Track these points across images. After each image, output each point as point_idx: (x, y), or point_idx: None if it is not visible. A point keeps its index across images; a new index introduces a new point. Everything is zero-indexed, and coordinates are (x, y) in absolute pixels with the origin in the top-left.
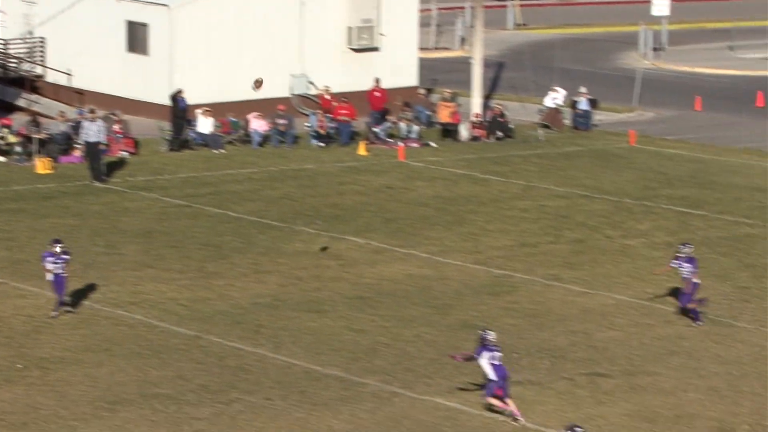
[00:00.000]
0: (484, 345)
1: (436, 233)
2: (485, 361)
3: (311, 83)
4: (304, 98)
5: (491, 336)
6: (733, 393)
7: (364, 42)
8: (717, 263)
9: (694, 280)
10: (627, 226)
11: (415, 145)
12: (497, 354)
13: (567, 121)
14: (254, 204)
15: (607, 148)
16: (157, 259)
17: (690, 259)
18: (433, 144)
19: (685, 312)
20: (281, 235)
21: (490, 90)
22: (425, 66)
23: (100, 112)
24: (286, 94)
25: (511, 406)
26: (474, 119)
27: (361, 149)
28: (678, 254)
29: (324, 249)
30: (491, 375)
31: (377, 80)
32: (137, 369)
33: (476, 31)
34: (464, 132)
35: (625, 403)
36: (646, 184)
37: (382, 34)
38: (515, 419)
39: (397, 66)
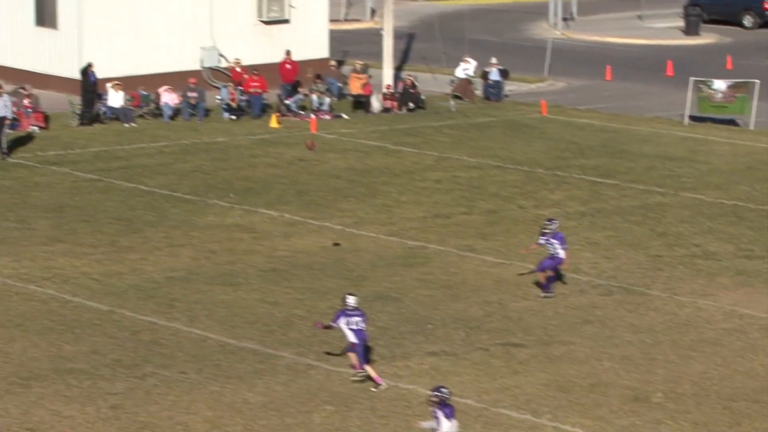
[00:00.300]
0: (342, 310)
1: (349, 205)
2: (344, 326)
3: (222, 56)
4: (215, 71)
5: (351, 300)
6: (647, 361)
7: (274, 14)
8: (630, 232)
9: (561, 255)
10: (540, 197)
11: (326, 117)
12: (356, 319)
13: (478, 92)
14: (166, 177)
15: (518, 119)
16: (69, 233)
17: (556, 235)
18: (344, 116)
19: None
20: (194, 208)
21: (401, 61)
22: (336, 38)
23: (9, 87)
24: (197, 67)
25: (371, 371)
26: (385, 91)
27: (273, 122)
28: (544, 230)
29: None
30: (352, 338)
31: (288, 52)
32: (50, 344)
33: (386, 3)
34: (376, 104)
35: (541, 372)
36: (558, 154)
37: (292, 6)
38: (376, 385)
39: (308, 38)
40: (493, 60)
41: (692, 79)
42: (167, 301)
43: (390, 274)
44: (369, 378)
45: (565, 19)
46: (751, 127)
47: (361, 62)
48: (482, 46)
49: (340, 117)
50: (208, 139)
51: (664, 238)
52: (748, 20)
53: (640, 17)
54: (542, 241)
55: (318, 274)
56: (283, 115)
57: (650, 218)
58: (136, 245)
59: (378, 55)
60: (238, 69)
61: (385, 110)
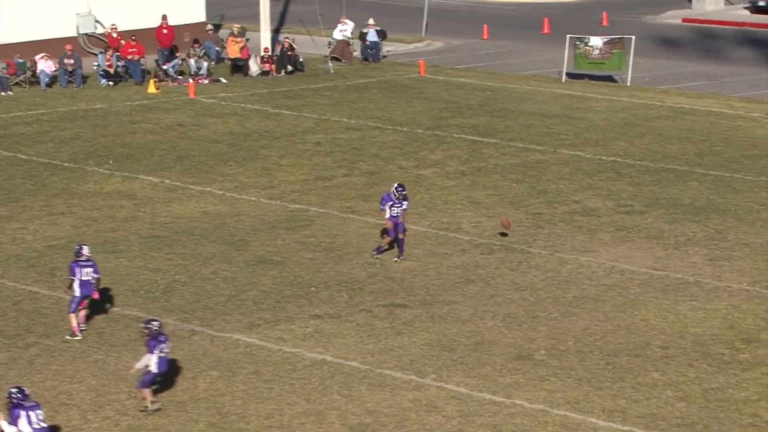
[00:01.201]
0: (75, 260)
1: (229, 170)
2: (76, 282)
3: (98, 22)
4: (92, 37)
5: (84, 250)
6: (530, 319)
7: None
8: (510, 190)
9: (400, 220)
10: (420, 157)
11: (204, 81)
12: (87, 270)
13: (356, 53)
14: (44, 146)
15: (397, 79)
16: None
17: (404, 199)
18: (223, 80)
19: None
20: (73, 176)
21: (279, 24)
22: (212, 2)
23: None
24: (73, 33)
25: (73, 321)
26: (263, 54)
27: (151, 87)
28: (395, 195)
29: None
30: (77, 292)
31: (164, 17)
32: None
33: None
34: (254, 67)
35: (424, 332)
36: (437, 114)
37: None
38: (73, 335)
39: (185, 2)
40: (371, 21)
41: (569, 36)
42: (48, 270)
43: (272, 238)
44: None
45: None
46: (628, 83)
47: (238, 25)
48: (360, 7)
49: (219, 81)
50: (86, 106)
51: (544, 196)
52: None
53: None
54: (385, 207)
55: (200, 239)
56: (161, 81)
57: (530, 176)
58: (15, 214)
59: (255, 18)
60: (114, 35)
61: (264, 73)
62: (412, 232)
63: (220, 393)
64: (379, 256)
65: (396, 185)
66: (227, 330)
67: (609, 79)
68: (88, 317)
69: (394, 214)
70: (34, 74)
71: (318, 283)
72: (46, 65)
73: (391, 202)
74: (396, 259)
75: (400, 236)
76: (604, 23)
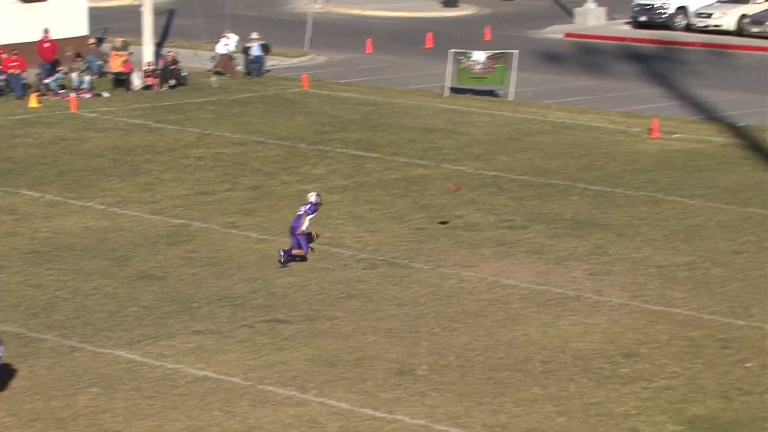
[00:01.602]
0: None
1: (111, 184)
2: None
3: None
4: None
5: None
6: (411, 334)
7: None
8: (392, 205)
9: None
10: (303, 171)
11: (87, 95)
12: None
13: (240, 68)
14: None
15: (280, 94)
16: None
17: (314, 207)
18: (105, 94)
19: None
20: None
21: (162, 38)
22: (95, 15)
23: None
24: None
25: None
26: (146, 68)
27: (33, 101)
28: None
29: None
30: None
31: (46, 31)
32: None
33: None
34: (137, 81)
35: (307, 348)
36: (320, 129)
37: None
38: None
39: (67, 16)
40: (254, 35)
41: (451, 50)
42: None
43: (154, 253)
44: None
45: None
46: (510, 98)
47: (121, 39)
48: (243, 21)
49: (101, 95)
50: None
51: (427, 210)
52: None
53: None
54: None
55: (81, 255)
56: (43, 95)
57: (413, 191)
58: None
59: (138, 32)
60: None
61: (146, 87)
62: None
63: (100, 410)
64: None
65: (316, 194)
66: (108, 346)
67: (492, 93)
68: None
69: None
70: None
71: (200, 298)
72: None
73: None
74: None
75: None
76: (487, 38)
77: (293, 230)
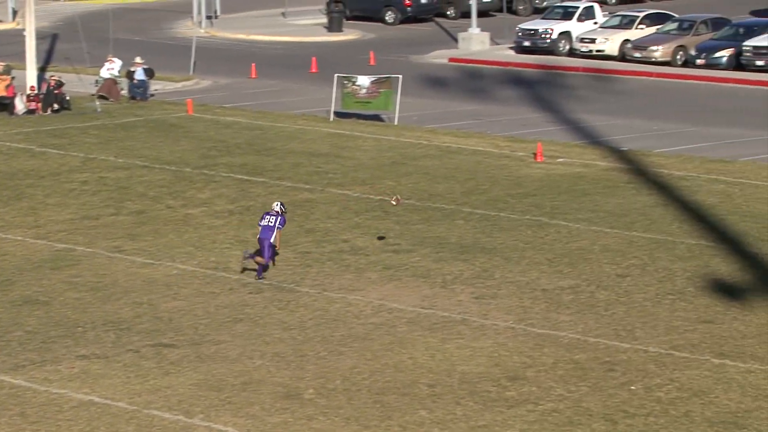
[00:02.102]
0: None
1: None
2: None
3: None
4: None
5: None
6: (298, 358)
7: None
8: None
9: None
10: (188, 196)
11: None
12: None
13: (124, 92)
14: None
15: (165, 118)
16: None
17: (284, 219)
18: None
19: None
20: None
21: (45, 62)
22: None
23: None
24: None
25: None
26: (29, 92)
27: None
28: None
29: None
30: None
31: None
32: None
33: (28, 3)
34: (20, 105)
35: (192, 372)
36: (205, 153)
37: None
38: None
39: None
40: (138, 59)
41: (336, 75)
42: None
43: (38, 278)
44: None
45: (209, 17)
46: (396, 122)
47: (3, 63)
48: (127, 45)
49: None
50: None
51: (313, 235)
52: (389, 16)
53: (283, 14)
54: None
55: None
56: None
57: (298, 215)
58: None
59: (21, 56)
60: None
61: (29, 112)
62: (179, 271)
63: None
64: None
65: (279, 203)
66: None
67: (377, 118)
68: None
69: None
70: None
71: (85, 323)
72: None
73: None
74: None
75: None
76: (372, 63)
77: (263, 241)
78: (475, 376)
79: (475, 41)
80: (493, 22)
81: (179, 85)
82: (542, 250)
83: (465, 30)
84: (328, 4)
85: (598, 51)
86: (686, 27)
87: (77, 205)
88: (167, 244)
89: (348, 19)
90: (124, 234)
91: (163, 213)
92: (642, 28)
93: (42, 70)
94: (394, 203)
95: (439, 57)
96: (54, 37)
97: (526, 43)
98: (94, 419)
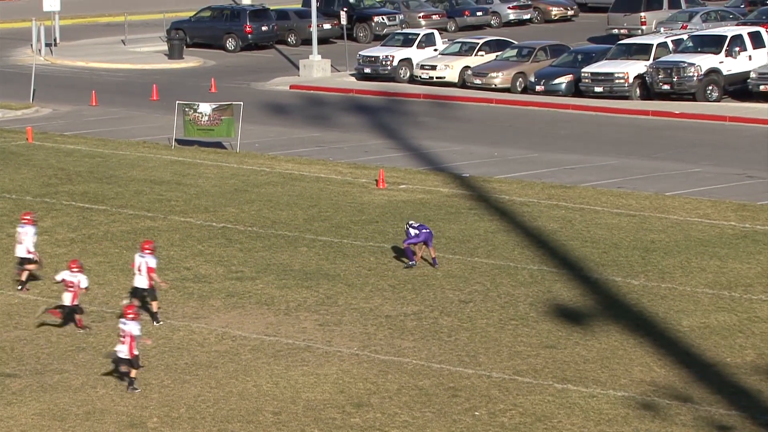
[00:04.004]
0: None
1: None
2: None
3: None
4: None
5: None
6: (142, 386)
7: None
8: (120, 257)
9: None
10: None
11: None
12: None
13: None
14: None
15: (4, 146)
16: None
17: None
18: None
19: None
20: None
21: None
22: None
23: None
24: None
25: None
26: None
27: None
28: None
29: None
30: None
31: None
32: None
33: None
34: None
35: (35, 402)
36: (46, 181)
37: None
38: None
39: None
40: None
41: (178, 102)
42: None
43: None
44: None
45: (48, 45)
46: (238, 150)
47: None
48: None
49: None
50: None
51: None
52: (230, 43)
53: (123, 42)
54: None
55: None
56: None
57: (140, 243)
58: None
59: None
60: None
61: None
62: (20, 300)
63: None
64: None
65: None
66: None
67: (219, 145)
68: None
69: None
70: None
71: None
72: None
73: None
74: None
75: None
76: (213, 90)
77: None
78: (320, 403)
79: (317, 68)
80: (334, 49)
81: (19, 113)
82: (385, 277)
83: (306, 57)
84: (168, 32)
85: (438, 78)
86: (525, 54)
87: None
88: (8, 273)
89: (189, 46)
90: None
91: (3, 242)
92: (482, 55)
93: None
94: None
95: (281, 84)
96: None
97: (367, 70)
98: None
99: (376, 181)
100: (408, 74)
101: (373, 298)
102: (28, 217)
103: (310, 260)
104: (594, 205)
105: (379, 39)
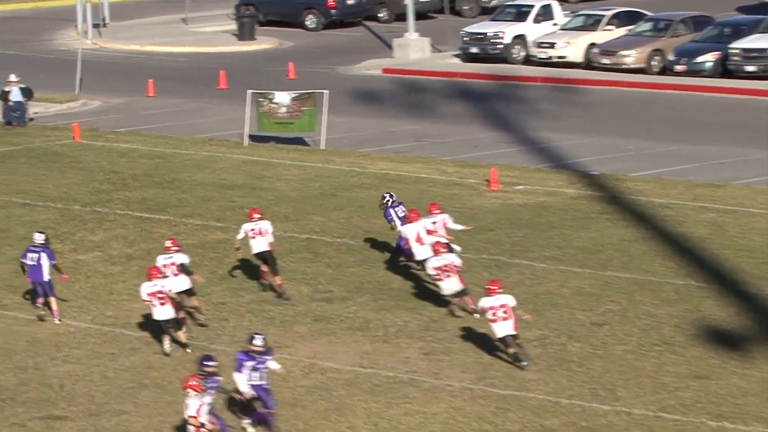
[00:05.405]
0: None
1: None
2: None
3: None
4: None
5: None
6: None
7: None
8: None
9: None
10: (78, 239)
11: None
12: None
13: None
14: None
15: (47, 146)
16: None
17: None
18: None
19: None
20: None
21: None
22: None
23: None
24: None
25: None
26: None
27: None
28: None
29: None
30: None
31: None
32: None
33: None
34: None
35: None
36: (96, 187)
37: None
38: None
39: None
40: (13, 77)
41: (250, 91)
42: None
43: None
44: None
45: (96, 26)
46: (322, 146)
47: None
48: None
49: None
50: None
51: (228, 282)
52: (311, 20)
53: (184, 21)
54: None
55: None
56: None
57: (210, 259)
58: None
59: None
60: None
61: None
62: (71, 329)
63: None
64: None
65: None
66: None
67: (299, 141)
68: None
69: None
70: None
71: None
72: None
73: None
74: None
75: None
76: (291, 76)
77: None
78: None
79: (414, 48)
80: (434, 25)
81: (64, 106)
82: None
83: (401, 35)
84: (237, 8)
85: (559, 57)
86: (662, 27)
87: None
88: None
89: (261, 24)
90: (2, 286)
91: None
92: (610, 30)
93: None
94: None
95: (372, 68)
96: None
97: (474, 50)
98: None
99: (488, 181)
100: (522, 54)
101: (488, 321)
102: (170, 243)
103: (411, 277)
104: (750, 207)
105: (488, 12)
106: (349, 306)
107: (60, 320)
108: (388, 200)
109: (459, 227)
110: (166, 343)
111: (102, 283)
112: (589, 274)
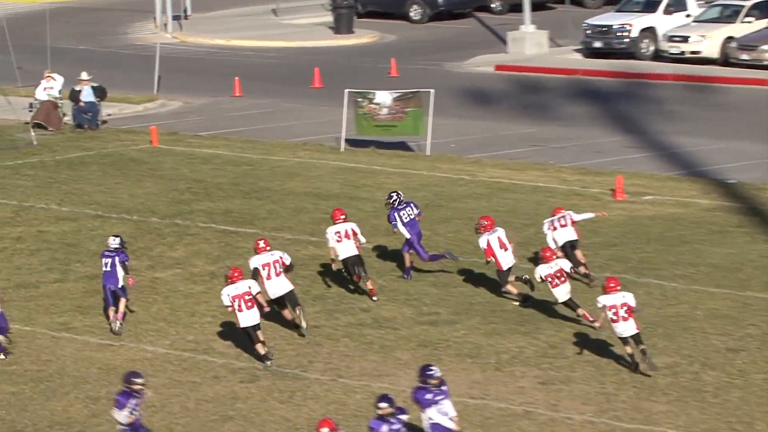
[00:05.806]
0: None
1: None
2: None
3: None
4: None
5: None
6: None
7: None
8: None
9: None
10: (156, 254)
11: None
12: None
13: (67, 118)
14: None
15: (122, 152)
16: None
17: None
18: None
19: None
20: None
21: None
22: None
23: None
24: None
25: None
26: None
27: None
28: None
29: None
30: None
31: None
32: None
33: None
34: None
35: None
36: (177, 197)
37: None
38: None
39: None
40: (84, 75)
41: (347, 91)
42: None
43: None
44: None
45: (177, 18)
46: (427, 152)
47: None
48: (70, 57)
49: None
50: None
51: (323, 302)
52: (415, 11)
53: (275, 12)
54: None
55: None
56: None
57: (300, 276)
58: None
59: None
60: None
61: None
62: (149, 354)
63: None
64: None
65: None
66: None
67: (402, 146)
68: None
69: None
70: None
71: (25, 425)
72: None
73: None
74: None
75: None
76: (394, 73)
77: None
78: None
79: (530, 42)
80: (553, 16)
81: (140, 107)
82: None
83: (516, 28)
84: None
85: (692, 53)
86: None
87: (10, 269)
88: (130, 319)
89: (360, 16)
90: (72, 306)
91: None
92: (750, 22)
93: None
94: None
95: (483, 64)
96: None
97: (598, 44)
98: None
99: (613, 191)
100: (651, 48)
101: (612, 347)
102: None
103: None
104: None
105: (613, 3)
106: (458, 330)
107: (121, 324)
108: (395, 200)
109: (587, 216)
110: (262, 351)
111: (182, 304)
112: (725, 295)
